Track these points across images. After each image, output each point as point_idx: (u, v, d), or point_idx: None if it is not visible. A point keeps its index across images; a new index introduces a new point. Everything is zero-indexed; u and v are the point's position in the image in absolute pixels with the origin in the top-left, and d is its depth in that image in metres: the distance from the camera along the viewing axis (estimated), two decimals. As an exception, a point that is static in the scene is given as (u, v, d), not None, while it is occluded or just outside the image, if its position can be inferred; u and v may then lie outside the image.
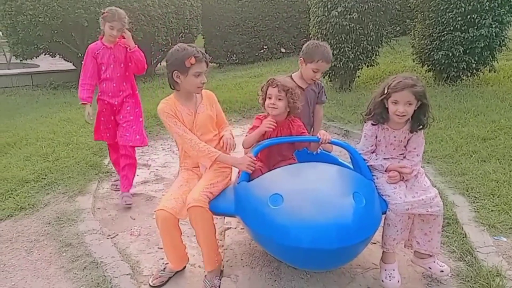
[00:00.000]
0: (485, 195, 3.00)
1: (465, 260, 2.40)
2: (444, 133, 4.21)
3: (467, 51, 5.99)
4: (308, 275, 2.33)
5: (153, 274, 2.40)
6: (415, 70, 7.00)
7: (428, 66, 6.55)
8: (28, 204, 3.23)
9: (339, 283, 2.28)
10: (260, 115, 2.52)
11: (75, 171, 3.78)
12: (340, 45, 6.14)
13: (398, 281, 2.16)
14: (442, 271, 2.22)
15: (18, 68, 10.47)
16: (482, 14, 5.75)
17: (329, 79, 6.70)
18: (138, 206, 3.32)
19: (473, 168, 3.42)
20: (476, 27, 5.82)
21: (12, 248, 2.72)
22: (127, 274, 2.36)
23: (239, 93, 6.51)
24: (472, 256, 2.39)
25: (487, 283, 2.13)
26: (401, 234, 2.18)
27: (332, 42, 6.08)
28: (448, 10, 5.94)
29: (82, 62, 3.29)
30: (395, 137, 2.27)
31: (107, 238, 2.80)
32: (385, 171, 2.26)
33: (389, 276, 2.17)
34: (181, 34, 9.61)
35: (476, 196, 3.01)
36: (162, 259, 2.56)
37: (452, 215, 2.80)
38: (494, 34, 5.82)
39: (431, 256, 2.24)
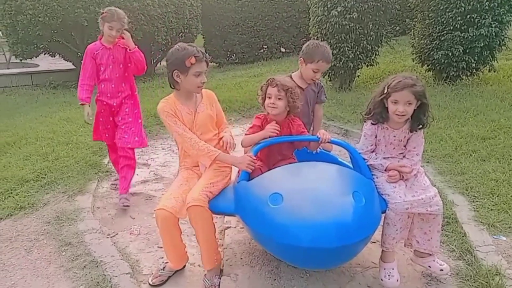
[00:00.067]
0: (484, 194, 3.00)
1: (465, 259, 2.40)
2: (444, 133, 4.22)
3: (467, 51, 5.99)
4: (308, 274, 2.33)
5: (152, 273, 2.40)
6: (414, 69, 7.00)
7: (427, 66, 6.56)
8: (28, 204, 3.23)
9: (339, 282, 2.28)
10: (260, 115, 2.52)
11: (75, 171, 3.78)
12: (339, 44, 6.15)
13: (397, 280, 2.16)
14: (441, 269, 2.22)
15: (17, 67, 10.46)
16: (481, 14, 5.75)
17: (329, 79, 6.70)
18: (137, 205, 3.32)
19: (473, 167, 3.43)
20: (475, 26, 5.82)
21: (11, 247, 2.72)
22: (126, 273, 2.36)
23: (238, 92, 6.51)
24: (472, 255, 2.40)
25: (487, 282, 2.13)
26: (400, 233, 2.18)
27: (331, 41, 6.08)
28: (448, 10, 5.94)
29: (82, 62, 3.27)
30: (394, 136, 2.28)
31: (107, 237, 2.80)
32: (385, 170, 2.26)
33: (388, 275, 2.17)
34: (181, 33, 9.61)
35: (476, 195, 3.02)
36: (162, 258, 2.56)
37: (452, 214, 2.80)
38: (493, 33, 5.82)
39: (430, 255, 2.25)
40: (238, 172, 2.39)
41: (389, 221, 2.15)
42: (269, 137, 2.38)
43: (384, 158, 2.31)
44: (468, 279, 2.22)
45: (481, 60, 6.09)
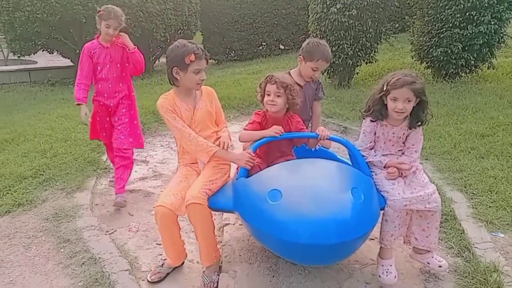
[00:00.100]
0: (483, 192, 3.01)
1: (463, 256, 2.40)
2: (443, 130, 4.22)
3: (466, 48, 5.99)
4: (306, 270, 2.34)
5: (151, 270, 2.40)
6: (414, 67, 7.00)
7: (427, 63, 6.56)
8: (26, 200, 3.22)
9: (337, 278, 2.28)
10: (260, 111, 2.52)
11: (73, 167, 3.77)
12: (339, 41, 6.14)
13: (395, 277, 2.16)
14: (440, 266, 2.23)
15: (16, 64, 10.42)
16: (481, 11, 5.75)
17: (328, 76, 6.69)
18: (136, 202, 3.32)
19: (471, 164, 3.43)
20: (475, 24, 5.82)
21: (10, 244, 2.72)
22: (125, 270, 2.37)
23: (237, 89, 6.50)
24: (470, 252, 2.40)
25: (485, 279, 2.14)
26: (399, 230, 2.18)
27: (331, 38, 6.08)
28: (447, 7, 5.94)
29: (79, 60, 3.22)
30: (393, 133, 2.27)
31: (105, 234, 2.80)
32: (384, 167, 2.27)
33: (386, 272, 2.17)
34: (180, 30, 9.58)
35: (474, 192, 3.02)
36: (161, 255, 2.56)
37: (450, 211, 2.80)
38: (493, 31, 5.82)
39: (429, 251, 2.25)
40: (237, 168, 2.39)
41: (387, 217, 2.16)
42: (275, 134, 2.35)
43: (383, 155, 2.31)
44: (466, 276, 2.22)
45: (480, 57, 6.09)
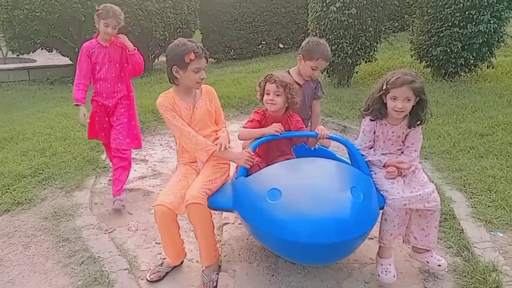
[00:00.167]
0: (482, 191, 3.01)
1: (462, 256, 2.40)
2: (442, 129, 4.22)
3: (465, 47, 6.00)
4: (306, 270, 2.34)
5: (150, 269, 2.40)
6: (413, 66, 7.00)
7: (426, 62, 6.56)
8: (25, 199, 3.22)
9: (337, 278, 2.28)
10: (259, 110, 2.51)
11: (72, 166, 3.77)
12: (338, 40, 6.14)
13: (394, 276, 2.16)
14: (439, 265, 2.23)
15: (14, 62, 10.41)
16: (480, 10, 5.75)
17: (327, 75, 6.69)
18: (135, 201, 3.31)
19: (471, 164, 3.43)
20: (474, 23, 5.82)
21: (9, 243, 2.72)
22: (124, 269, 2.36)
23: (237, 88, 6.49)
24: (469, 251, 2.40)
25: (484, 278, 2.14)
26: (398, 229, 2.18)
27: (330, 37, 6.08)
28: (446, 6, 5.94)
29: (78, 60, 3.18)
30: (393, 132, 2.27)
31: (105, 233, 2.79)
32: (383, 166, 2.27)
33: (385, 271, 2.17)
34: (179, 29, 9.57)
35: (473, 191, 3.02)
36: (160, 254, 2.56)
37: (449, 210, 2.80)
38: (492, 30, 5.83)
39: (428, 250, 2.25)
40: (236, 167, 2.39)
41: (387, 217, 2.16)
42: (275, 132, 2.34)
43: (382, 154, 2.31)
44: (465, 275, 2.23)
45: (480, 56, 6.09)
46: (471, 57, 6.04)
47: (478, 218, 2.71)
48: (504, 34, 6.05)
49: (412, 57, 6.86)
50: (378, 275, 2.19)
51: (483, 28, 5.76)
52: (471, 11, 5.76)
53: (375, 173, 2.27)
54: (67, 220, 2.92)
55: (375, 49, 6.53)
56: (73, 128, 4.79)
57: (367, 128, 2.31)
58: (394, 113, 2.17)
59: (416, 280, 2.27)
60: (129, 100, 3.32)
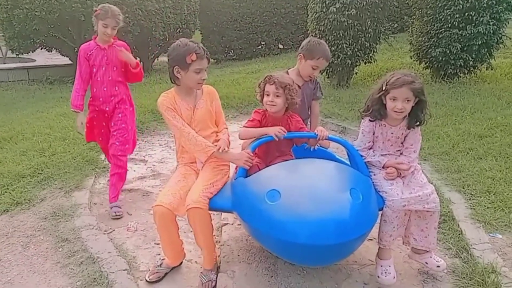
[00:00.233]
0: (481, 192, 3.01)
1: (461, 257, 2.41)
2: (441, 130, 4.23)
3: (465, 49, 6.01)
4: (305, 271, 2.34)
5: (149, 270, 2.39)
6: (412, 67, 7.01)
7: (425, 63, 6.57)
8: (24, 199, 3.21)
9: (336, 279, 2.28)
10: (260, 109, 2.51)
11: (72, 166, 3.77)
12: (338, 41, 6.14)
13: (394, 277, 2.16)
14: (438, 266, 2.23)
15: (14, 62, 10.40)
16: (479, 12, 5.76)
17: (327, 76, 6.70)
18: (134, 202, 3.31)
19: (470, 165, 3.44)
20: (473, 24, 5.83)
21: (8, 243, 2.71)
22: (123, 270, 2.36)
23: (236, 89, 6.49)
24: (468, 252, 2.40)
25: (483, 280, 2.14)
26: (397, 230, 2.19)
27: (330, 38, 6.08)
28: (446, 7, 5.95)
29: (77, 63, 3.13)
30: (392, 133, 2.28)
31: (104, 234, 2.79)
32: (383, 167, 2.27)
33: (385, 272, 2.18)
34: (179, 29, 9.58)
35: (472, 193, 3.03)
36: (159, 254, 2.56)
37: (448, 212, 2.81)
38: (491, 31, 5.84)
39: (427, 251, 2.25)
40: (236, 168, 2.39)
41: (386, 218, 2.16)
42: (275, 135, 2.32)
43: (381, 155, 2.31)
44: (464, 277, 2.23)
45: (479, 58, 6.10)
46: (470, 59, 6.05)
47: (477, 220, 2.71)
48: (503, 35, 6.06)
49: (411, 58, 6.87)
50: (378, 276, 2.19)
51: (483, 29, 5.77)
52: (471, 13, 5.77)
53: (374, 174, 2.27)
54: (66, 221, 2.92)
55: (375, 50, 6.54)
56: (73, 128, 4.78)
57: (366, 129, 2.31)
58: (394, 113, 2.17)
59: (415, 281, 2.27)
60: (127, 104, 3.23)
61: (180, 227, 2.36)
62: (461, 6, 5.77)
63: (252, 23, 10.63)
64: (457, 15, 5.85)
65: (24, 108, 6.56)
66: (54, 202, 3.19)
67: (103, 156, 3.97)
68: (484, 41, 5.89)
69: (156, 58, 10.25)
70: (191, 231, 2.30)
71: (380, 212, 2.16)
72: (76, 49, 3.04)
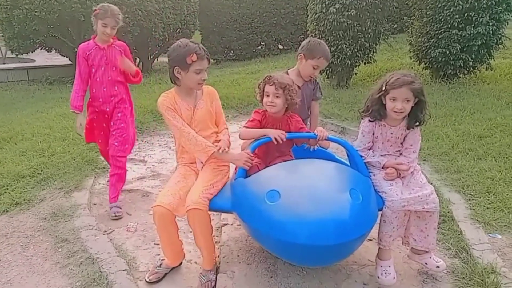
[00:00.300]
0: (480, 193, 3.01)
1: (461, 257, 2.41)
2: (441, 131, 4.23)
3: (464, 49, 6.01)
4: (304, 271, 2.34)
5: (149, 270, 2.39)
6: (412, 67, 7.01)
7: (425, 64, 6.57)
8: (24, 200, 3.21)
9: (335, 279, 2.28)
10: (260, 110, 2.51)
11: (71, 167, 3.76)
12: (337, 42, 6.14)
13: (394, 278, 2.17)
14: (438, 266, 2.23)
15: (14, 62, 10.39)
16: (479, 12, 5.77)
17: (326, 76, 6.70)
18: (134, 202, 3.31)
19: (469, 165, 3.44)
20: (473, 25, 5.84)
21: (7, 244, 2.71)
22: (123, 270, 2.36)
23: (236, 89, 6.49)
24: (468, 253, 2.41)
25: (482, 280, 2.14)
26: (397, 230, 2.19)
27: (329, 39, 6.08)
28: (445, 8, 5.95)
29: (76, 63, 3.12)
30: (392, 133, 2.28)
31: (103, 234, 2.79)
32: (382, 168, 2.27)
33: (385, 273, 2.18)
34: (178, 29, 9.58)
35: (472, 193, 3.03)
36: (159, 255, 2.56)
37: (448, 212, 2.81)
38: (491, 32, 5.84)
39: (427, 252, 2.25)
40: (235, 169, 2.39)
41: (385, 218, 2.16)
42: (274, 139, 2.32)
43: (381, 155, 2.31)
44: (463, 277, 2.23)
45: (478, 58, 6.11)
46: (470, 59, 6.05)
47: (477, 220, 2.71)
48: (503, 36, 6.07)
49: (411, 58, 6.87)
50: (378, 276, 2.19)
51: (482, 30, 5.78)
52: (470, 13, 5.77)
53: (374, 175, 2.28)
54: (66, 221, 2.92)
55: (374, 50, 6.54)
56: (72, 128, 4.77)
57: (366, 129, 2.31)
58: (394, 114, 2.17)
59: (415, 281, 2.27)
60: (127, 103, 3.22)
61: (180, 227, 2.36)
62: (460, 6, 5.77)
63: (252, 23, 10.63)
64: (457, 16, 5.86)
65: (23, 108, 6.56)
66: (54, 202, 3.19)
67: (102, 157, 3.97)
68: (484, 41, 5.90)
69: (156, 59, 10.25)
70: (191, 232, 2.30)
71: (379, 213, 2.16)
72: (76, 49, 3.03)
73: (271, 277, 2.31)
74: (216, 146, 2.33)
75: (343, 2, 5.87)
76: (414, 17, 6.79)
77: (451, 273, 2.31)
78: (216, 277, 2.30)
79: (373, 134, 2.32)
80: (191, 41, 2.27)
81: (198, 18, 10.26)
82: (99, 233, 2.77)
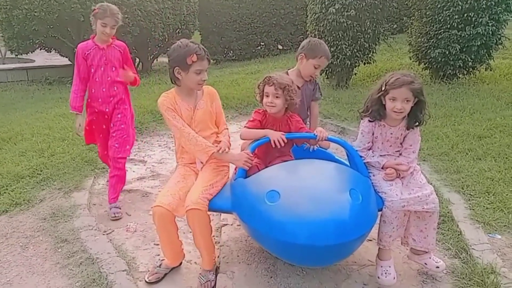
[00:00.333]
0: (480, 193, 3.01)
1: (460, 257, 2.41)
2: (440, 131, 4.23)
3: (464, 49, 6.02)
4: (304, 271, 2.34)
5: (149, 270, 2.39)
6: (411, 68, 7.02)
7: (424, 64, 6.58)
8: (24, 200, 3.21)
9: (335, 279, 2.28)
10: (260, 110, 2.52)
11: (71, 167, 3.76)
12: (337, 42, 6.15)
13: (394, 278, 2.17)
14: (437, 267, 2.23)
15: (13, 63, 10.40)
16: (479, 13, 5.77)
17: (326, 77, 6.70)
18: (134, 202, 3.31)
19: (469, 166, 3.44)
20: (472, 25, 5.84)
21: (7, 244, 2.71)
22: (123, 270, 2.36)
23: (236, 89, 6.50)
24: (467, 253, 2.41)
25: (482, 280, 2.14)
26: (397, 231, 2.19)
27: (329, 39, 6.09)
28: (445, 8, 5.96)
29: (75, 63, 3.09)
30: (391, 133, 2.28)
31: (103, 234, 2.79)
32: (382, 168, 2.27)
33: (385, 273, 2.18)
34: (178, 30, 9.58)
35: (472, 193, 3.03)
36: (158, 255, 2.56)
37: (448, 212, 2.81)
38: (490, 32, 5.85)
39: (427, 252, 2.26)
40: (235, 169, 2.39)
41: (385, 219, 2.16)
42: (273, 142, 2.32)
43: (380, 155, 2.31)
44: (463, 277, 2.23)
45: (478, 58, 6.12)
46: (469, 59, 6.06)
47: (477, 220, 2.71)
48: (502, 36, 6.07)
49: (410, 59, 6.88)
50: (378, 277, 2.19)
51: (482, 30, 5.78)
52: (470, 14, 5.78)
53: (373, 175, 2.28)
54: (66, 221, 2.92)
55: (374, 51, 6.54)
56: (72, 128, 4.76)
57: (365, 130, 2.32)
58: (393, 114, 2.17)
59: (415, 282, 2.27)
60: (126, 104, 3.19)
61: (180, 227, 2.36)
62: (460, 7, 5.78)
63: (252, 23, 10.64)
64: (456, 16, 5.87)
65: (23, 108, 6.56)
66: (53, 202, 3.19)
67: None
68: (483, 42, 5.91)
69: (156, 59, 10.25)
70: (191, 232, 2.30)
71: (379, 213, 2.16)
72: (75, 49, 3.02)
73: (271, 277, 2.31)
74: (216, 146, 2.33)
75: (342, 2, 5.88)
76: (413, 18, 6.79)
77: (450, 273, 2.31)
78: (216, 277, 2.30)
79: (373, 134, 2.32)
80: (191, 41, 2.28)
81: (198, 18, 10.26)
82: (98, 233, 2.77)
